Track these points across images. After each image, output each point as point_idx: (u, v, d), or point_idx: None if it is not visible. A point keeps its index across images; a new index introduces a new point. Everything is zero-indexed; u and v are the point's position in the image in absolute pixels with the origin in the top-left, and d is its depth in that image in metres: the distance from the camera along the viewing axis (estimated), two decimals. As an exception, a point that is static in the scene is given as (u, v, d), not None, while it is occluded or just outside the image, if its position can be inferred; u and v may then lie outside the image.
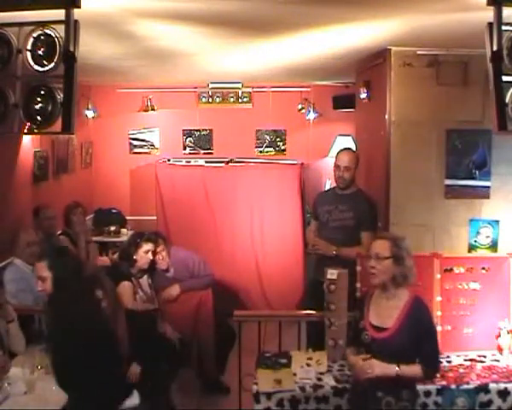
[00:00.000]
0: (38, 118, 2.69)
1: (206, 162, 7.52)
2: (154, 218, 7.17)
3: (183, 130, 8.27)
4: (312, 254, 4.93)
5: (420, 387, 3.35)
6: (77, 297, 2.95)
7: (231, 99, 8.17)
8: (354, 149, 5.28)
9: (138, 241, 4.75)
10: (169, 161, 7.55)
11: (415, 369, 2.98)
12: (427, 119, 4.56)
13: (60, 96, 2.64)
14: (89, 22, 2.94)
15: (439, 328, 3.94)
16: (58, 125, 2.66)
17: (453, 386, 3.51)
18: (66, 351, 2.86)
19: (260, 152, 8.28)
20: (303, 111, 7.93)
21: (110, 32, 3.68)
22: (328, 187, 6.97)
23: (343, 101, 7.39)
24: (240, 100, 8.15)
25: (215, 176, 7.10)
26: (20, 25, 2.68)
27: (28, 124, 2.71)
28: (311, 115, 7.91)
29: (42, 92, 2.68)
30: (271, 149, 8.31)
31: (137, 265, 4.72)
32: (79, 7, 2.52)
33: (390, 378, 2.94)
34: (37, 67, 2.67)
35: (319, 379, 3.63)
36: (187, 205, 6.94)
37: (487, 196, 4.55)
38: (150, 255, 4.76)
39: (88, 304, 2.98)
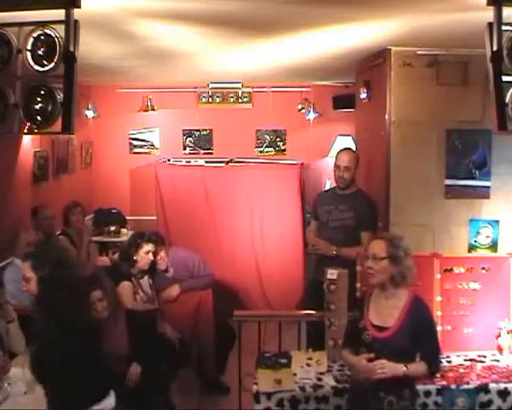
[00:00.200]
0: (38, 118, 2.69)
1: (206, 162, 7.52)
2: (154, 218, 7.17)
3: (183, 130, 8.27)
4: (312, 254, 4.93)
5: (420, 387, 3.35)
6: (61, 298, 2.91)
7: (231, 99, 8.17)
8: (354, 149, 5.28)
9: (139, 241, 4.75)
10: (169, 161, 7.55)
11: (420, 367, 3.00)
12: (427, 119, 4.56)
13: (60, 96, 2.64)
14: (89, 22, 2.94)
15: (439, 328, 3.94)
16: (58, 125, 2.66)
17: (453, 386, 3.51)
18: (49, 349, 2.83)
19: (260, 152, 8.28)
20: (303, 111, 7.93)
21: (110, 32, 3.68)
22: (328, 187, 6.97)
23: (343, 101, 7.39)
24: (240, 100, 8.15)
25: (215, 176, 7.09)
26: (20, 25, 2.68)
27: (28, 124, 2.71)
28: (311, 115, 7.91)
29: (42, 92, 2.68)
30: (271, 149, 8.31)
31: (138, 265, 4.72)
32: (79, 7, 2.52)
33: (392, 378, 2.94)
34: (37, 67, 2.67)
35: (319, 379, 3.63)
36: (187, 205, 6.94)
37: (487, 196, 4.55)
38: (151, 256, 4.76)
39: (73, 305, 2.94)
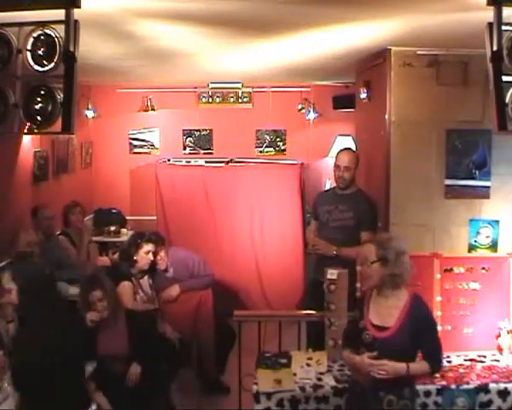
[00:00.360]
0: (38, 118, 2.69)
1: (206, 162, 7.52)
2: (154, 218, 7.17)
3: (183, 130, 8.27)
4: (312, 254, 4.93)
5: (420, 387, 3.36)
6: (43, 308, 2.86)
7: (231, 99, 8.16)
8: (354, 149, 5.28)
9: (139, 241, 4.75)
10: (169, 161, 7.55)
11: (422, 366, 3.00)
12: (427, 119, 4.56)
13: (60, 96, 2.64)
14: (89, 22, 2.94)
15: (439, 328, 3.94)
16: (58, 125, 2.66)
17: (453, 386, 3.52)
18: (28, 358, 2.77)
19: (260, 152, 8.28)
20: (303, 111, 7.93)
21: (110, 32, 3.68)
22: (328, 187, 6.97)
23: (343, 101, 7.39)
24: (240, 100, 8.15)
25: (215, 176, 7.10)
26: (20, 25, 2.68)
27: (28, 124, 2.71)
28: (311, 115, 7.91)
29: (42, 92, 2.67)
30: (271, 149, 8.31)
31: (138, 265, 4.73)
32: (79, 7, 2.52)
33: (391, 377, 2.94)
34: (37, 67, 2.66)
35: (319, 379, 3.63)
36: (187, 205, 6.94)
37: (487, 196, 4.55)
38: (151, 256, 4.76)
39: (55, 315, 2.89)
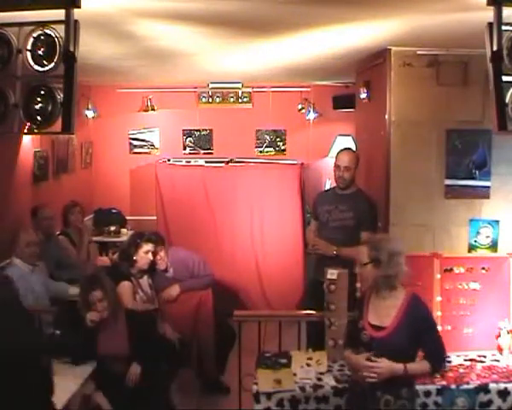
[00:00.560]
0: (38, 118, 2.69)
1: (206, 162, 7.52)
2: (154, 218, 7.17)
3: (183, 130, 8.27)
4: (312, 254, 4.93)
5: (420, 387, 3.36)
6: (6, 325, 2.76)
7: (231, 99, 8.16)
8: (354, 149, 5.28)
9: (138, 241, 4.75)
10: (169, 161, 7.55)
11: (422, 366, 3.00)
12: (427, 119, 4.56)
13: (60, 96, 2.64)
14: (89, 22, 2.94)
15: (439, 328, 3.94)
16: (58, 125, 2.66)
17: (453, 386, 3.52)
18: None
19: (260, 152, 8.28)
20: (303, 111, 7.93)
21: (110, 32, 3.68)
22: (328, 187, 6.97)
23: (343, 101, 7.39)
24: (240, 100, 8.15)
25: (215, 176, 7.10)
26: (20, 25, 2.68)
27: (28, 124, 2.71)
28: (311, 115, 7.90)
29: (42, 92, 2.68)
30: (271, 149, 8.31)
31: (137, 265, 4.72)
32: (79, 7, 2.52)
33: (389, 377, 2.94)
34: (37, 67, 2.67)
35: (319, 379, 3.63)
36: (187, 205, 6.94)
37: (487, 196, 4.55)
38: (150, 256, 4.76)
39: (19, 332, 2.78)
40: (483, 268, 4.02)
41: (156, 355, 4.06)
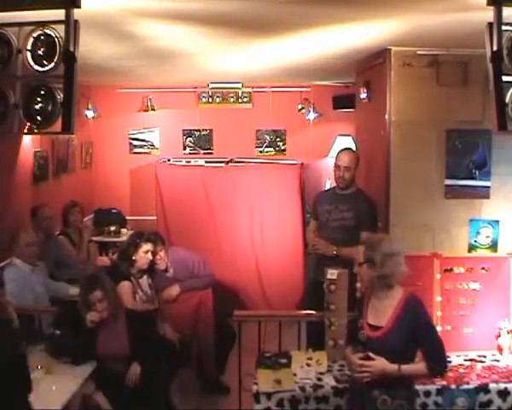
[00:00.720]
0: (38, 118, 2.69)
1: (206, 162, 7.52)
2: (154, 218, 7.17)
3: (183, 130, 8.27)
4: (312, 254, 4.93)
5: (420, 387, 3.36)
6: None
7: (231, 99, 8.16)
8: (354, 149, 5.28)
9: (138, 241, 4.75)
10: (169, 161, 7.55)
11: (418, 367, 2.97)
12: (427, 119, 4.56)
13: (60, 96, 2.64)
14: (89, 22, 2.94)
15: (439, 328, 3.93)
16: (58, 125, 2.66)
17: (453, 386, 3.52)
18: None
19: (260, 152, 8.28)
20: (303, 111, 7.93)
21: (110, 32, 3.68)
22: (328, 187, 6.96)
23: (343, 101, 7.39)
24: (240, 100, 8.15)
25: (215, 176, 7.10)
26: (20, 25, 2.68)
27: (28, 124, 2.71)
28: (311, 115, 7.91)
29: (42, 92, 2.68)
30: (271, 149, 8.31)
31: (137, 265, 4.72)
32: (79, 7, 2.52)
33: (386, 377, 2.94)
34: (37, 67, 2.67)
35: (319, 379, 3.63)
36: (187, 205, 6.94)
37: (487, 196, 4.55)
38: (150, 255, 4.76)
39: None
40: (483, 268, 4.02)
41: (156, 355, 4.05)
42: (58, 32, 2.61)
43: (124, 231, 7.67)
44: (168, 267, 5.02)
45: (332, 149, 7.63)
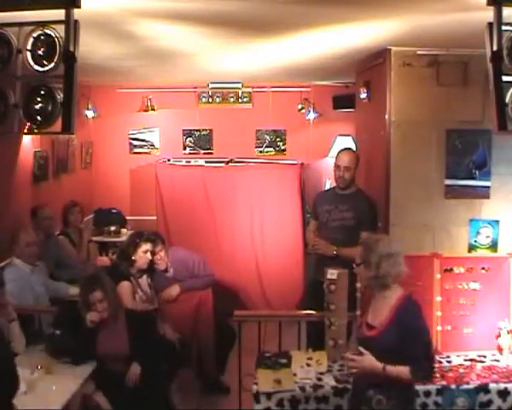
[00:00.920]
0: (38, 118, 2.69)
1: (206, 162, 7.52)
2: (154, 218, 7.17)
3: (183, 130, 8.27)
4: (312, 254, 4.93)
5: (420, 387, 3.35)
6: None
7: (231, 99, 8.16)
8: (354, 149, 5.28)
9: (137, 241, 4.75)
10: (169, 161, 7.55)
11: (402, 369, 2.89)
12: (427, 119, 4.56)
13: (60, 96, 2.64)
14: (89, 22, 2.94)
15: (439, 328, 3.94)
16: (58, 125, 2.66)
17: (453, 386, 3.51)
18: None
19: (260, 152, 8.28)
20: (303, 111, 7.93)
21: (110, 32, 3.68)
22: (328, 187, 6.96)
23: (343, 101, 7.39)
24: (240, 100, 8.15)
25: (215, 176, 7.10)
26: (20, 25, 2.68)
27: (28, 124, 2.71)
28: (311, 115, 7.91)
29: (42, 92, 2.68)
30: (271, 149, 8.31)
31: (136, 265, 4.72)
32: (79, 7, 2.52)
33: (382, 377, 2.93)
34: (37, 67, 2.67)
35: (319, 379, 3.63)
36: (187, 205, 6.94)
37: (487, 196, 4.55)
38: (149, 255, 4.76)
39: None
40: (483, 268, 4.02)
41: (156, 355, 4.05)
42: (58, 32, 2.61)
43: (124, 231, 7.67)
44: (168, 267, 5.02)
45: (332, 149, 7.63)
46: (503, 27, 2.65)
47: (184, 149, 8.29)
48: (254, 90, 8.08)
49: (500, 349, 3.91)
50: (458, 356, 3.90)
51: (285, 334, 4.32)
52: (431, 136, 4.57)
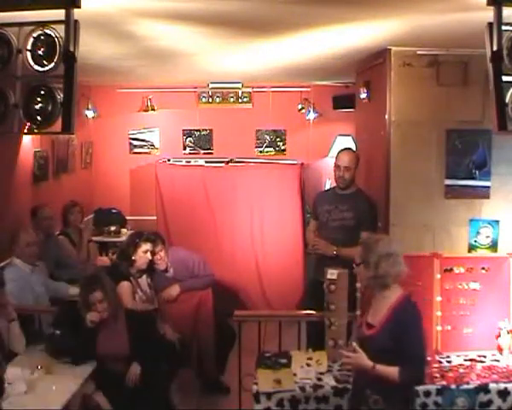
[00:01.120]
0: (38, 118, 2.69)
1: (206, 162, 7.52)
2: (154, 218, 7.17)
3: (183, 130, 8.27)
4: (312, 254, 4.93)
5: (420, 387, 3.35)
6: None
7: (231, 99, 8.17)
8: (354, 149, 5.28)
9: (137, 241, 4.75)
10: (169, 161, 7.55)
11: (390, 370, 2.87)
12: (427, 119, 4.56)
13: (60, 96, 2.64)
14: (89, 22, 2.94)
15: (439, 328, 3.94)
16: (58, 125, 2.66)
17: (453, 386, 3.51)
18: None
19: (260, 152, 8.28)
20: (303, 111, 7.93)
21: (110, 32, 3.68)
22: (328, 187, 6.96)
23: (343, 101, 7.39)
24: (240, 100, 8.15)
25: (215, 176, 7.10)
26: (20, 25, 2.68)
27: (28, 124, 2.71)
28: (311, 115, 7.91)
29: (42, 92, 2.68)
30: (271, 149, 8.31)
31: (136, 265, 4.72)
32: (79, 7, 2.52)
33: (378, 377, 2.92)
34: (37, 67, 2.67)
35: (319, 379, 3.63)
36: (187, 205, 6.94)
37: (487, 196, 4.55)
38: (149, 255, 4.76)
39: None
40: (483, 268, 4.01)
41: (156, 355, 4.06)
42: (58, 32, 2.61)
43: (124, 231, 7.67)
44: (168, 267, 5.02)
45: (332, 149, 7.63)
46: (503, 27, 2.65)
47: (184, 149, 8.29)
48: (254, 90, 8.08)
49: (500, 349, 3.91)
50: (458, 356, 3.90)
51: (285, 334, 4.32)
52: (431, 136, 4.57)
